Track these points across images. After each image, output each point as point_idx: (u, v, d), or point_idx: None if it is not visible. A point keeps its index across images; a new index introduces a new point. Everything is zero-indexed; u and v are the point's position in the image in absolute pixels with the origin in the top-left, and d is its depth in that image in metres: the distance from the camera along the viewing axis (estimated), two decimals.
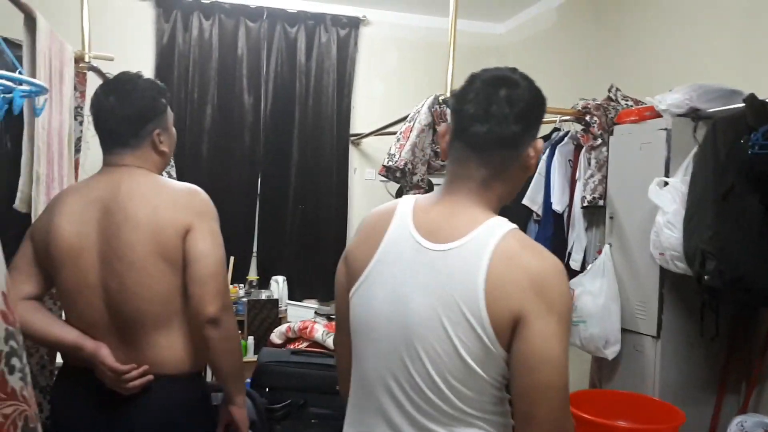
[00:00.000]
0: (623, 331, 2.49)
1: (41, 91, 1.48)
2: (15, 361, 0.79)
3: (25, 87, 1.48)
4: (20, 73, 1.59)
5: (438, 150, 2.80)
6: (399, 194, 3.69)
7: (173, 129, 1.53)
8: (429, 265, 0.98)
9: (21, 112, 1.55)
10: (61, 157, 2.18)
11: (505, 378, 0.98)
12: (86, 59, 2.40)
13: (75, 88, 2.35)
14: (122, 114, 1.41)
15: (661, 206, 2.22)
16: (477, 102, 0.99)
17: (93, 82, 2.53)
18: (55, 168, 2.12)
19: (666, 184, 2.28)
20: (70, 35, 2.21)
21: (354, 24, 4.21)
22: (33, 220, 1.84)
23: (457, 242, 0.97)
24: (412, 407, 0.99)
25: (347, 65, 4.22)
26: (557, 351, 0.91)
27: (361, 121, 4.28)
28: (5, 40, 1.73)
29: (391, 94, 4.29)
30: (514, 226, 1.01)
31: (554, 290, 0.94)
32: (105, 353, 1.33)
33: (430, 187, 3.17)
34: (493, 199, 1.03)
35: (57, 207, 1.41)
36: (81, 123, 2.46)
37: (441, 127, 1.09)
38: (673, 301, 2.36)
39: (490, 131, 0.98)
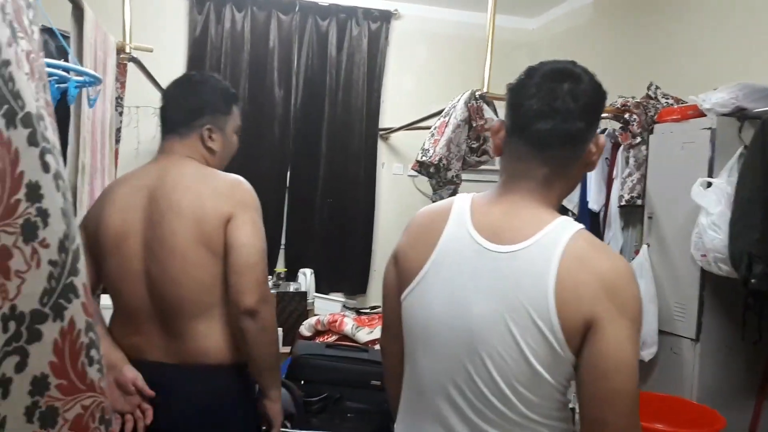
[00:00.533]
0: (660, 332, 2.46)
1: (95, 81, 1.49)
2: (93, 352, 0.79)
3: (78, 77, 1.49)
4: (69, 61, 1.60)
5: (473, 146, 2.78)
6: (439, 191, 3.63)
7: (234, 137, 1.53)
8: (492, 268, 0.95)
9: (63, 102, 1.56)
10: (104, 147, 2.21)
11: (569, 382, 0.96)
12: (127, 50, 2.41)
13: (116, 79, 2.37)
14: (181, 102, 1.44)
15: (705, 207, 2.17)
16: (540, 97, 0.94)
17: (132, 74, 2.56)
18: (98, 158, 2.14)
19: (709, 184, 2.23)
20: (107, 26, 2.22)
21: (385, 18, 4.19)
22: (77, 210, 1.86)
23: (523, 244, 0.94)
24: (473, 413, 0.97)
25: (378, 59, 4.20)
26: (630, 356, 0.88)
27: (390, 115, 4.26)
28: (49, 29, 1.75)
29: (421, 89, 4.27)
30: (581, 226, 0.97)
31: (626, 293, 0.91)
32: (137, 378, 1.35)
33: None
34: (553, 198, 1.00)
35: (108, 196, 1.43)
36: (121, 114, 2.49)
37: (494, 124, 1.04)
38: (713, 304, 2.32)
39: (554, 128, 0.94)
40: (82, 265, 0.78)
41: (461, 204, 1.03)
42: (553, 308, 0.89)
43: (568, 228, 0.94)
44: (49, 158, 0.69)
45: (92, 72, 1.46)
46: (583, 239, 0.94)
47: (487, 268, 0.95)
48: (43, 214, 0.69)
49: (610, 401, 0.88)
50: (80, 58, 1.83)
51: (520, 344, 0.91)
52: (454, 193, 2.75)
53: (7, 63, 0.60)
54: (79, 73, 1.55)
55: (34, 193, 0.67)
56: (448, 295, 0.98)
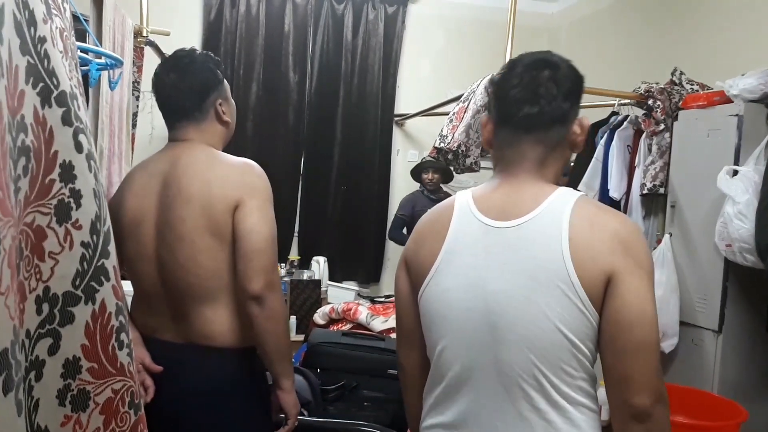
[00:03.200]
0: (681, 324, 2.43)
1: (116, 64, 1.47)
2: (123, 336, 0.78)
3: (98, 59, 1.47)
4: (95, 44, 1.58)
5: None
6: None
7: (232, 100, 1.53)
8: (502, 243, 0.97)
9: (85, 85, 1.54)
10: (121, 131, 2.19)
11: (595, 348, 0.96)
12: (144, 33, 2.39)
13: (132, 63, 2.35)
14: (185, 87, 1.42)
15: (731, 196, 2.13)
16: (523, 86, 0.99)
17: (148, 58, 2.53)
18: (116, 142, 2.13)
19: (736, 173, 2.19)
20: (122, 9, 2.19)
21: (402, 1, 4.13)
22: None
23: (529, 215, 0.97)
24: (507, 398, 0.96)
25: (394, 43, 4.15)
26: (651, 307, 0.91)
27: (405, 101, 4.21)
28: None
29: (437, 75, 4.22)
30: (582, 192, 1.02)
31: (639, 247, 0.94)
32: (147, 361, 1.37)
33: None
34: (550, 177, 1.03)
35: (126, 183, 1.45)
36: (138, 98, 2.47)
37: (481, 118, 1.09)
38: (736, 295, 2.29)
39: (541, 111, 0.99)
40: (113, 247, 0.76)
41: (462, 198, 1.06)
42: (572, 267, 0.91)
43: (570, 195, 0.99)
44: (81, 138, 0.68)
45: (114, 54, 1.44)
46: (588, 203, 0.99)
47: (498, 245, 0.97)
48: (76, 194, 0.67)
49: (634, 355, 0.90)
50: (100, 41, 1.82)
51: (545, 310, 0.93)
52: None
53: (42, 40, 0.58)
54: (99, 56, 1.53)
55: (68, 173, 0.65)
56: (462, 278, 1.00)
